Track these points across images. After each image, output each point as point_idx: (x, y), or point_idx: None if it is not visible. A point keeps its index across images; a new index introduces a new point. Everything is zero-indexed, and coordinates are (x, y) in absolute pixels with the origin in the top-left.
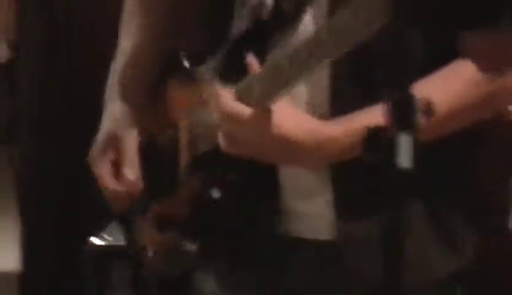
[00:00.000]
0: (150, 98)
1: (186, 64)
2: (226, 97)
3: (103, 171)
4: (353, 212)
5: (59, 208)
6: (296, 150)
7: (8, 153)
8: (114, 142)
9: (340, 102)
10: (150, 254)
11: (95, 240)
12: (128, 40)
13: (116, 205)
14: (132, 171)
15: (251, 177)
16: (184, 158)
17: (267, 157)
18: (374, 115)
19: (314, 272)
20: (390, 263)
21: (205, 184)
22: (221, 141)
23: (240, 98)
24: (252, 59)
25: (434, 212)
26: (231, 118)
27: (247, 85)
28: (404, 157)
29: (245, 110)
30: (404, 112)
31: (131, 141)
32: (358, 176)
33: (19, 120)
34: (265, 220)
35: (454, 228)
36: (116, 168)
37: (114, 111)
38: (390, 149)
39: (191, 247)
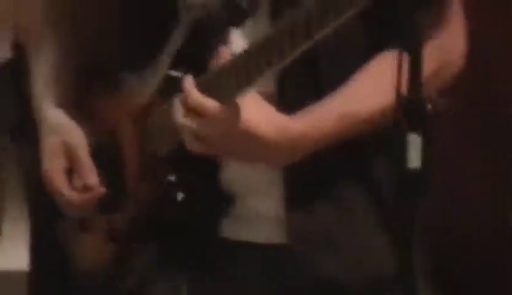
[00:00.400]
0: (80, 109)
1: (119, 72)
2: (191, 92)
3: (60, 181)
4: (306, 213)
5: None
6: (266, 147)
7: (19, 152)
8: (64, 150)
9: (288, 95)
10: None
11: None
12: (45, 52)
13: (80, 215)
14: (91, 177)
15: (204, 179)
16: (134, 164)
17: (235, 154)
18: (336, 106)
19: (264, 276)
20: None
21: (166, 188)
22: (186, 139)
23: (205, 91)
24: (223, 49)
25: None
26: (197, 112)
27: (212, 78)
28: (414, 157)
29: (211, 105)
30: (415, 114)
31: (82, 147)
32: (311, 174)
33: (28, 118)
34: (216, 224)
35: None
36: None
37: (51, 119)
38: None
39: (146, 254)
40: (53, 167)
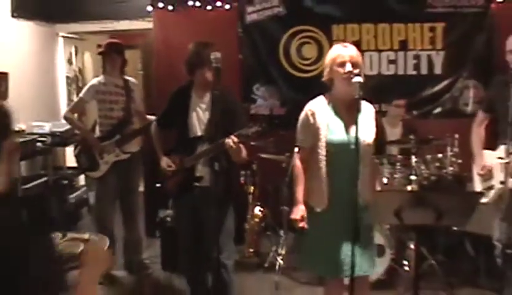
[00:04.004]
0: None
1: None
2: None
3: (167, 168)
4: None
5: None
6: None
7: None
8: (168, 161)
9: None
10: None
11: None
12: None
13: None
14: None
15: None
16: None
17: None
18: None
19: (207, 203)
20: None
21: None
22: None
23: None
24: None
25: None
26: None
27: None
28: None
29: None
30: None
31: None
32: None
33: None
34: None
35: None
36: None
37: (163, 157)
38: None
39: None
40: (165, 164)
